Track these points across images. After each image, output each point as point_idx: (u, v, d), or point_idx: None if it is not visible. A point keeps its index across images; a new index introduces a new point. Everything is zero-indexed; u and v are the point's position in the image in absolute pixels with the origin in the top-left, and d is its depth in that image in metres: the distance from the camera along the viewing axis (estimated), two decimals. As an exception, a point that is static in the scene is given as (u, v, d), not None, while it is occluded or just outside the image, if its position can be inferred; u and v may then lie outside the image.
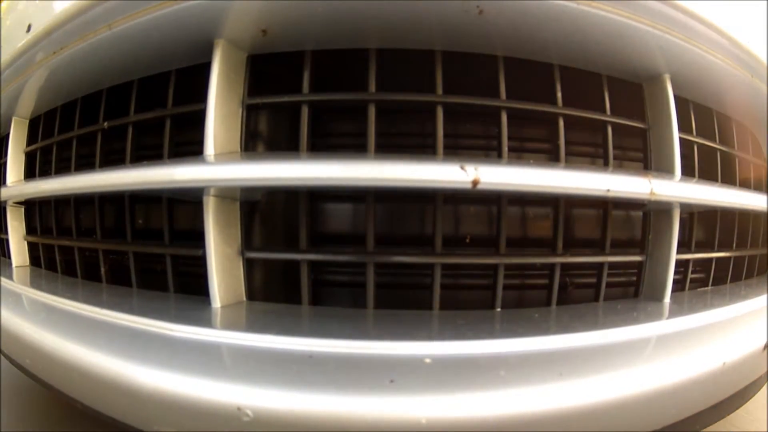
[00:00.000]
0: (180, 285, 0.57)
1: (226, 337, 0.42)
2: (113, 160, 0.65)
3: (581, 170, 0.45)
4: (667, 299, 0.55)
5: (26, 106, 0.77)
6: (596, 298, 0.56)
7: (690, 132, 0.63)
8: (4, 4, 0.69)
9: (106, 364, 0.40)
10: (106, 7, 0.50)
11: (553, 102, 0.53)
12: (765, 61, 0.59)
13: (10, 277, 0.71)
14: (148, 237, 0.62)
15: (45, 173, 0.78)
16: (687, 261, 0.63)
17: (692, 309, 0.53)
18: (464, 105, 0.50)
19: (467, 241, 0.53)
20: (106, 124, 0.64)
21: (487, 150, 0.54)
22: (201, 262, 0.49)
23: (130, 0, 0.48)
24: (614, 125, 0.56)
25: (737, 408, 0.55)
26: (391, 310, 0.49)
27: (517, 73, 0.52)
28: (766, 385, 0.61)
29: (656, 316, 0.50)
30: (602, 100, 0.56)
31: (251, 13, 0.46)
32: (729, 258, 0.71)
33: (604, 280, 0.55)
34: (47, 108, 0.77)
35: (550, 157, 0.54)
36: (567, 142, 0.53)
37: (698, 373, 0.42)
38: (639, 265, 0.58)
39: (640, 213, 0.58)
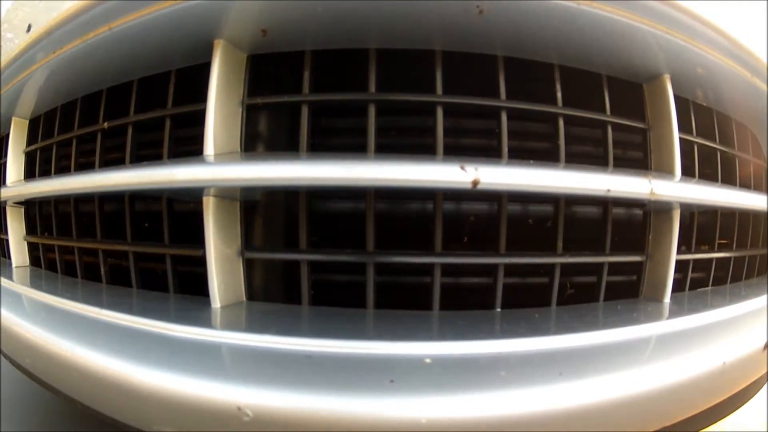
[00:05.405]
0: (180, 285, 0.57)
1: (226, 338, 0.42)
2: (113, 160, 0.65)
3: (581, 170, 0.45)
4: (667, 299, 0.55)
5: (26, 106, 0.77)
6: (596, 298, 0.56)
7: (690, 132, 0.63)
8: (4, 3, 0.69)
9: (106, 364, 0.40)
10: (106, 7, 0.50)
11: (553, 102, 0.53)
12: (765, 61, 0.59)
13: (10, 277, 0.71)
14: (148, 237, 0.62)
15: (45, 173, 0.78)
16: (687, 261, 0.63)
17: (692, 309, 0.53)
18: (464, 105, 0.50)
19: (466, 241, 0.53)
20: (106, 124, 0.64)
21: (487, 150, 0.54)
22: (201, 263, 0.49)
23: (130, 0, 0.48)
24: (614, 125, 0.56)
25: (737, 408, 0.55)
26: (390, 310, 0.49)
27: (517, 72, 0.52)
28: (766, 385, 0.61)
29: (656, 316, 0.50)
30: (602, 100, 0.56)
31: (251, 13, 0.46)
32: (729, 258, 0.71)
33: (604, 280, 0.55)
34: (47, 108, 0.77)
35: (550, 157, 0.54)
36: (567, 142, 0.53)
37: (698, 373, 0.42)
38: (639, 266, 0.58)
39: (641, 213, 0.58)
